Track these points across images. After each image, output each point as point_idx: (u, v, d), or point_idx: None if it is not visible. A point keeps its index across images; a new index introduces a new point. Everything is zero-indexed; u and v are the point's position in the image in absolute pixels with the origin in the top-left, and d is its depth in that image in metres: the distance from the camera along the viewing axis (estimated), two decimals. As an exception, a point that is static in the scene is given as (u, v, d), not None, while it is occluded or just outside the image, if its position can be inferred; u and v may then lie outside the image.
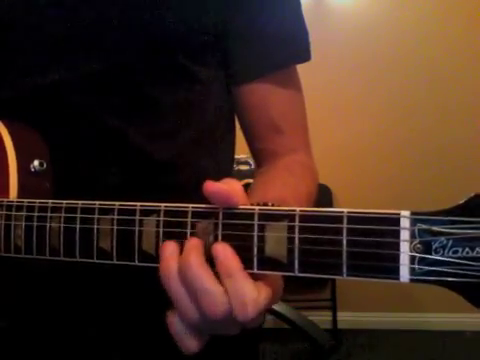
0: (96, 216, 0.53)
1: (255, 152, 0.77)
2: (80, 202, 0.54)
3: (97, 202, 0.53)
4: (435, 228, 0.39)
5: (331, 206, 2.90)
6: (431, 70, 2.97)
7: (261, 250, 0.45)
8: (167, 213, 0.49)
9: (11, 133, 0.62)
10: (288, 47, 0.72)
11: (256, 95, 0.72)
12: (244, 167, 2.56)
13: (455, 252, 0.38)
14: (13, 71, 0.65)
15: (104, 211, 0.52)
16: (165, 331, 0.50)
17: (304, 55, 0.74)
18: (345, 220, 0.42)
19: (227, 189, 0.45)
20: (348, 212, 0.42)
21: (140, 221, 0.50)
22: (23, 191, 0.61)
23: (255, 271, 0.45)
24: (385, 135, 3.05)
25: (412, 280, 0.39)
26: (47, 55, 0.64)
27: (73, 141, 0.65)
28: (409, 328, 2.98)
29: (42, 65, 0.64)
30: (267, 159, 0.75)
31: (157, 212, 0.50)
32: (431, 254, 0.38)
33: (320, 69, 2.96)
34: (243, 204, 0.46)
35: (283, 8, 0.72)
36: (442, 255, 0.38)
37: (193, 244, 0.46)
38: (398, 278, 0.39)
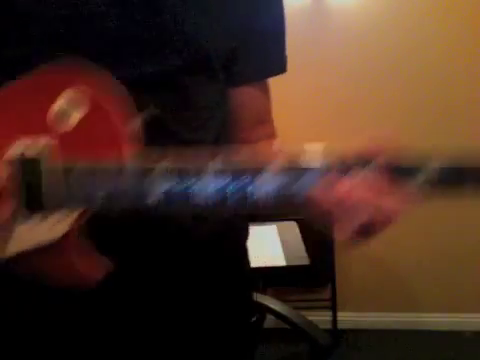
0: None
1: (238, 141, 0.87)
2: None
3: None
4: None
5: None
6: (432, 72, 2.96)
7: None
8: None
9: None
10: (279, 57, 0.89)
11: (247, 93, 0.87)
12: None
13: None
14: None
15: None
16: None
17: (285, 66, 0.91)
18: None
19: None
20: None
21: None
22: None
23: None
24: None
25: None
26: (110, 56, 0.72)
27: None
28: (409, 328, 2.96)
29: (104, 65, 0.66)
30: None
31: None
32: None
33: (319, 70, 2.98)
34: None
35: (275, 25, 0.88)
36: None
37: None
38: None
